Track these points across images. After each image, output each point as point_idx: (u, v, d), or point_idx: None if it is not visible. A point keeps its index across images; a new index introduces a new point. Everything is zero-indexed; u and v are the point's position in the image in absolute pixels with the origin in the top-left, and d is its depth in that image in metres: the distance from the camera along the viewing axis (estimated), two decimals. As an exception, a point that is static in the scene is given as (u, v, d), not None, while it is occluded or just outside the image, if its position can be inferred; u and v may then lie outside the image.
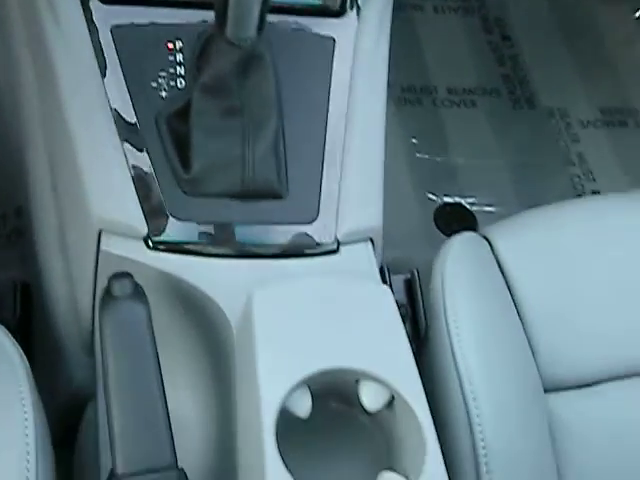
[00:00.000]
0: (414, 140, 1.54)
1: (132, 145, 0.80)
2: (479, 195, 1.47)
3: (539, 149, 1.60)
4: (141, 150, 0.80)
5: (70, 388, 0.93)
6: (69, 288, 0.90)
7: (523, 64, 1.68)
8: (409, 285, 1.17)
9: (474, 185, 1.49)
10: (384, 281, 0.89)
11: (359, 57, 0.88)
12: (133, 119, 0.81)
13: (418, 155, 1.53)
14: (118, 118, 0.81)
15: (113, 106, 0.81)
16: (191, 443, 0.76)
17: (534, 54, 1.70)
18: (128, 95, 0.82)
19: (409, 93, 1.59)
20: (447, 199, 1.47)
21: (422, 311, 0.93)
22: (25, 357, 0.78)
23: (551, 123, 1.63)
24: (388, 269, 1.11)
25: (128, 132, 0.81)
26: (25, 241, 1.09)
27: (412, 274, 1.16)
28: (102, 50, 0.83)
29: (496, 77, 1.66)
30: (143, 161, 0.80)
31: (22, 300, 1.01)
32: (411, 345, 0.90)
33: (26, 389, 0.75)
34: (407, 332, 1.08)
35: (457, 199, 1.47)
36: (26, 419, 0.73)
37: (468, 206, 1.46)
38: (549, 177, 1.51)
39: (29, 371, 0.77)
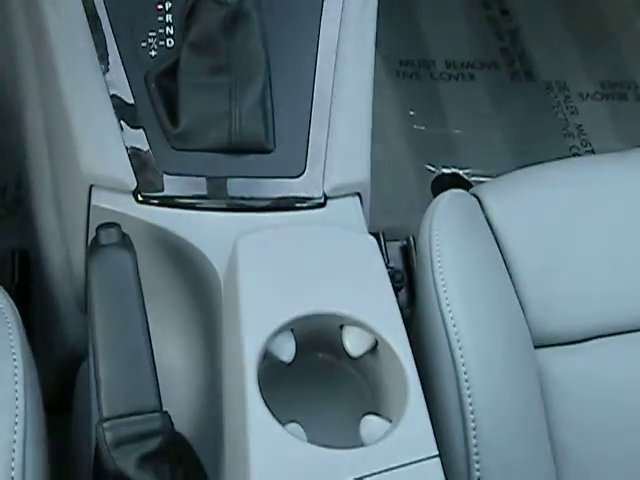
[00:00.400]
0: (412, 112, 1.55)
1: (121, 102, 0.82)
2: (477, 166, 1.48)
3: (537, 121, 1.60)
4: (131, 107, 0.82)
5: (66, 347, 0.95)
6: (64, 249, 0.91)
7: (522, 38, 1.69)
8: (405, 252, 1.18)
9: (472, 156, 1.49)
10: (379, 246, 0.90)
11: (347, 14, 0.88)
12: (123, 77, 0.83)
13: (416, 127, 1.53)
14: (108, 75, 0.82)
15: (103, 64, 0.83)
16: (177, 391, 0.77)
17: (533, 28, 1.70)
18: (118, 54, 0.83)
19: (407, 67, 1.60)
20: (445, 170, 1.48)
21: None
22: (18, 313, 0.79)
23: (550, 96, 1.63)
24: (384, 236, 1.11)
25: (118, 90, 0.82)
26: (24, 210, 1.10)
27: (408, 241, 1.16)
28: (94, 11, 0.84)
29: (495, 51, 1.66)
30: (132, 118, 0.81)
31: (20, 267, 1.03)
32: (406, 310, 0.90)
33: (17, 343, 0.75)
34: (403, 298, 1.09)
35: (455, 170, 1.48)
36: (15, 374, 0.73)
37: (465, 177, 1.46)
38: (547, 148, 1.51)
39: (21, 326, 0.78)
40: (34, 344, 0.80)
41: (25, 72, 0.98)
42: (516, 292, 0.87)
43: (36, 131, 0.96)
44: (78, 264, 0.86)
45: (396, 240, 1.14)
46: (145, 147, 0.80)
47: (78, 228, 0.83)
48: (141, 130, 0.81)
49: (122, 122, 0.81)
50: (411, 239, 1.13)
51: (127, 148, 0.80)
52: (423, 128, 1.53)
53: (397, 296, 0.77)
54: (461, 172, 1.48)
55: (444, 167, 1.49)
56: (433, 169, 1.49)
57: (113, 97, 0.82)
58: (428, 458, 0.64)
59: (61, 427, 0.89)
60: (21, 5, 0.96)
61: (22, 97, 1.00)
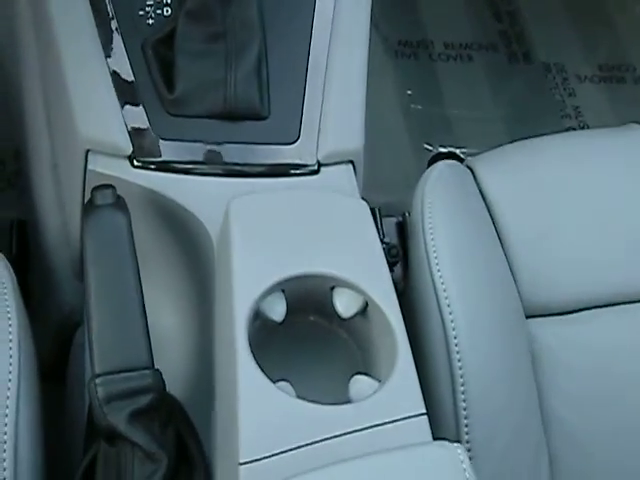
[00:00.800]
0: (409, 92, 1.56)
1: (119, 69, 0.83)
2: (473, 145, 1.48)
3: (535, 102, 1.61)
4: (127, 74, 0.83)
5: (62, 313, 0.96)
6: (61, 216, 0.92)
7: (520, 20, 1.69)
8: (401, 227, 1.19)
9: (469, 136, 1.50)
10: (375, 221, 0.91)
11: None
12: (120, 44, 0.84)
13: (413, 106, 1.54)
14: (106, 42, 0.83)
15: (101, 32, 0.84)
16: (169, 352, 0.77)
17: (532, 11, 1.70)
18: (116, 22, 0.84)
19: (406, 47, 1.61)
20: (442, 149, 1.49)
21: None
22: (14, 276, 0.80)
23: (548, 78, 1.64)
24: (380, 211, 1.12)
25: (115, 57, 0.83)
26: (22, 181, 1.11)
27: (404, 217, 1.17)
28: None
29: (493, 33, 1.67)
30: (129, 84, 0.82)
31: (18, 237, 1.04)
32: (400, 284, 0.91)
33: (12, 304, 0.76)
34: (398, 272, 1.09)
35: (451, 149, 1.49)
36: (10, 332, 0.74)
37: (462, 155, 1.47)
38: (544, 129, 1.50)
39: (17, 289, 0.79)
40: (32, 312, 0.81)
41: (24, 44, 0.99)
42: (508, 262, 0.88)
43: (35, 102, 0.97)
44: (75, 230, 0.87)
45: (392, 216, 1.15)
46: (141, 112, 0.81)
47: (75, 193, 0.84)
48: (137, 96, 0.82)
49: (119, 88, 0.82)
50: (407, 215, 1.14)
51: (123, 113, 0.81)
52: (420, 107, 1.54)
53: (392, 270, 0.78)
54: (458, 151, 1.48)
55: (441, 146, 1.50)
56: (430, 148, 1.50)
57: (110, 64, 0.83)
58: (416, 416, 0.65)
59: (56, 395, 0.90)
60: None
61: (21, 70, 1.01)
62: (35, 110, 0.97)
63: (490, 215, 0.89)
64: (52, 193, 0.94)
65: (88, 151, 0.81)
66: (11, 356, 0.73)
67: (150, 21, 0.85)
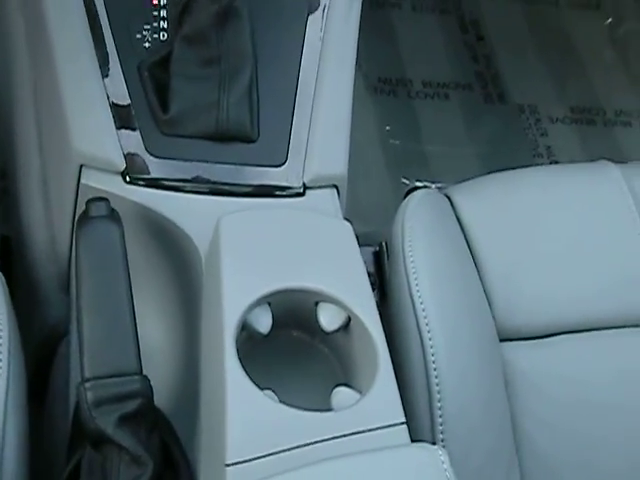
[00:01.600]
0: (388, 127, 1.60)
1: (115, 88, 0.85)
2: (449, 180, 1.52)
3: (509, 141, 1.66)
4: (123, 93, 0.85)
5: (46, 327, 0.97)
6: (49, 232, 0.94)
7: (496, 63, 1.74)
8: (377, 256, 1.22)
9: (444, 171, 1.54)
10: None
11: (332, 17, 0.93)
12: (117, 66, 0.87)
13: (391, 141, 1.58)
14: (103, 63, 0.86)
15: (98, 53, 0.86)
16: (157, 364, 0.79)
17: (507, 54, 1.76)
18: (114, 44, 0.87)
19: (385, 84, 1.65)
20: (418, 183, 1.53)
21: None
22: (5, 282, 0.81)
23: (521, 118, 1.69)
24: (358, 240, 1.15)
25: (112, 77, 0.86)
26: (8, 199, 1.13)
27: (380, 246, 1.20)
28: (92, 3, 0.88)
29: (470, 73, 1.72)
30: (125, 103, 0.85)
31: (2, 253, 1.05)
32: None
33: (3, 308, 0.77)
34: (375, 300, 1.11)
35: (427, 183, 1.53)
36: (0, 343, 0.75)
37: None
38: (517, 167, 1.57)
39: (7, 293, 0.80)
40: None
41: (16, 65, 1.01)
42: (483, 287, 0.91)
43: (26, 121, 0.99)
44: (63, 244, 0.89)
45: (369, 245, 1.18)
46: (135, 131, 0.84)
47: (65, 208, 0.86)
48: (132, 115, 0.85)
49: (114, 107, 0.85)
50: (383, 244, 1.17)
51: (118, 131, 0.84)
52: (398, 142, 1.58)
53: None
54: (433, 186, 1.52)
55: (417, 180, 1.54)
56: (407, 182, 1.54)
57: (107, 84, 0.86)
58: (396, 424, 0.68)
59: (36, 406, 0.91)
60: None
61: (12, 91, 1.03)
62: (26, 126, 0.99)
63: (467, 241, 0.93)
64: (40, 209, 0.96)
65: (82, 166, 0.84)
66: (0, 367, 0.74)
67: (147, 44, 0.88)
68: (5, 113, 1.06)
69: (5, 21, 1.04)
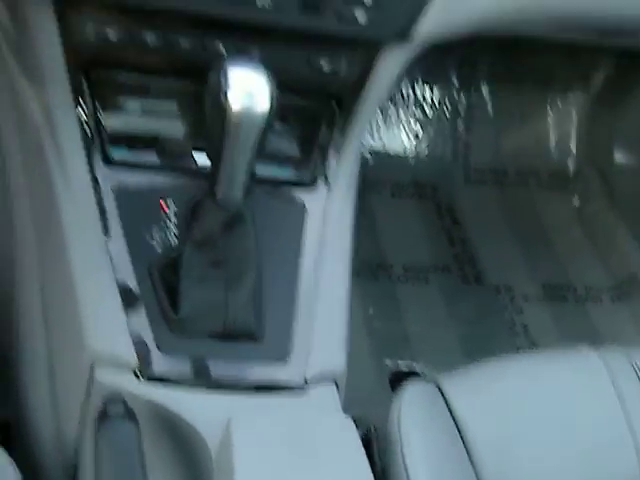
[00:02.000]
0: (371, 310, 1.67)
1: (127, 289, 0.91)
2: (431, 361, 1.58)
3: (487, 321, 1.72)
4: (135, 294, 0.91)
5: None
6: (55, 422, 0.97)
7: (472, 246, 1.83)
8: (367, 441, 1.26)
9: (426, 352, 1.60)
10: None
11: (328, 221, 1.01)
12: (129, 267, 0.93)
13: (375, 324, 1.64)
14: (116, 265, 0.92)
15: (112, 255, 0.93)
16: None
17: (481, 237, 1.85)
18: (126, 247, 0.94)
19: (367, 269, 1.73)
20: (401, 363, 1.58)
21: (380, 467, 1.01)
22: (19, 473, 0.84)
23: (498, 298, 1.76)
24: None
25: (124, 278, 0.92)
26: (9, 383, 1.15)
27: (369, 430, 1.24)
28: (104, 208, 0.95)
29: (447, 256, 1.80)
30: (137, 303, 0.91)
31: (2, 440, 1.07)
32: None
33: None
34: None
35: (409, 365, 1.58)
36: None
37: (420, 371, 1.56)
38: (496, 346, 1.63)
39: None
40: None
41: (25, 258, 1.06)
42: (474, 470, 0.96)
43: (31, 308, 1.03)
44: (69, 434, 0.92)
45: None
46: (147, 330, 0.90)
47: (74, 399, 0.90)
48: (144, 314, 0.90)
49: (127, 307, 0.90)
50: (372, 428, 1.21)
51: (130, 330, 0.89)
52: (381, 324, 1.65)
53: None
54: (416, 367, 1.58)
55: (400, 360, 1.59)
56: (390, 363, 1.59)
57: (119, 284, 0.91)
58: None
59: None
60: (26, 190, 1.04)
61: (18, 280, 1.08)
62: (31, 317, 1.03)
63: (457, 428, 0.98)
64: (46, 396, 0.99)
65: (94, 363, 0.88)
66: None
67: (157, 248, 0.95)
68: (8, 298, 1.10)
69: (11, 211, 1.09)
